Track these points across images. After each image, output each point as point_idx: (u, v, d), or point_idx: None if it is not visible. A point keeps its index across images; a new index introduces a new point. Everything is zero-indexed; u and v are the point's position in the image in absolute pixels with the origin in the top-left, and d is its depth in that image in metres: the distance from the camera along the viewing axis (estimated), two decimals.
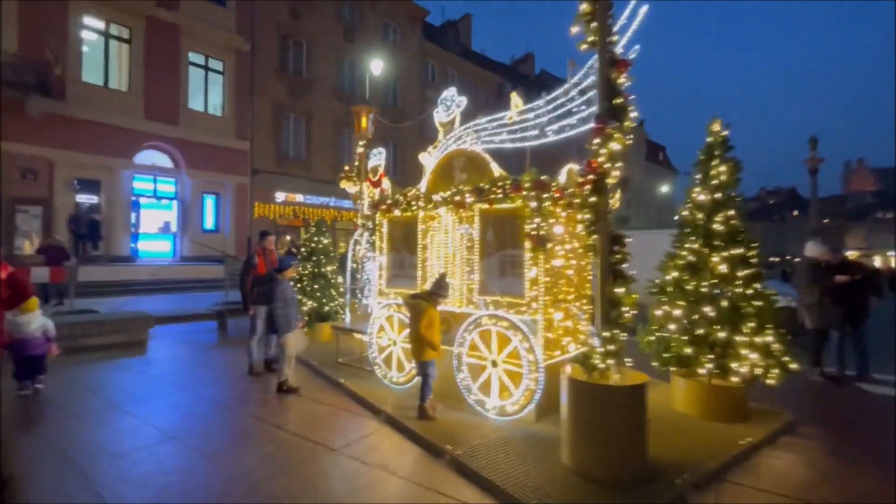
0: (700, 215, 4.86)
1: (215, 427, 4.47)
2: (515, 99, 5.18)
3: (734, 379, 4.46)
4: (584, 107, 4.59)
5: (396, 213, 5.57)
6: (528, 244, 4.34)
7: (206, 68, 18.20)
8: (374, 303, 5.93)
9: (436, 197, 5.01)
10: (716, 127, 4.92)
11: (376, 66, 15.42)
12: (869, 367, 6.10)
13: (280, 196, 19.75)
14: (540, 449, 3.78)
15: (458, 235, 4.95)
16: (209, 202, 18.53)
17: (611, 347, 3.47)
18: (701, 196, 4.87)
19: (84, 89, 14.80)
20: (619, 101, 3.59)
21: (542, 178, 4.27)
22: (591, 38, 3.59)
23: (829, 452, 3.98)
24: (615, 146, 3.50)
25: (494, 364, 4.45)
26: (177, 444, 4.03)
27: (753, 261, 4.67)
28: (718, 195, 4.80)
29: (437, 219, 5.19)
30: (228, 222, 18.64)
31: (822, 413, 5.05)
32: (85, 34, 15.06)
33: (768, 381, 4.40)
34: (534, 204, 4.23)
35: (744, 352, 4.40)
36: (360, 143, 8.81)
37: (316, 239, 8.29)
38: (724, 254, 4.64)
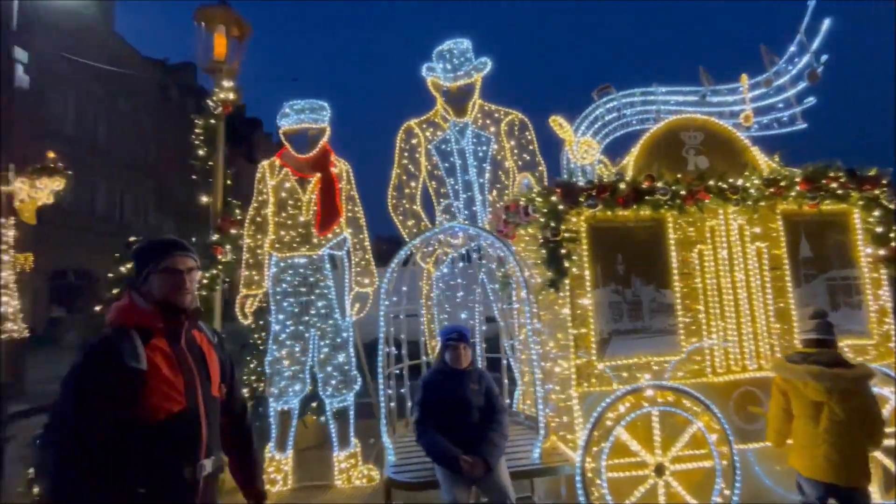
0: None
1: None
2: (705, 73, 3.96)
3: None
4: (781, 105, 4.03)
5: (623, 212, 2.89)
6: (869, 260, 3.18)
7: None
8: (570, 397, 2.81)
9: (739, 183, 2.94)
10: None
11: None
12: None
13: None
14: None
15: (753, 251, 3.07)
16: None
17: None
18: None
19: None
20: None
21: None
22: None
23: None
24: None
25: None
26: None
27: None
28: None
29: (710, 224, 3.04)
30: None
31: None
32: None
33: None
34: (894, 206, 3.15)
35: None
36: (226, 83, 4.38)
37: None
38: None
